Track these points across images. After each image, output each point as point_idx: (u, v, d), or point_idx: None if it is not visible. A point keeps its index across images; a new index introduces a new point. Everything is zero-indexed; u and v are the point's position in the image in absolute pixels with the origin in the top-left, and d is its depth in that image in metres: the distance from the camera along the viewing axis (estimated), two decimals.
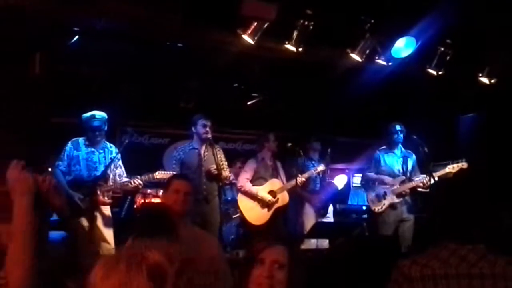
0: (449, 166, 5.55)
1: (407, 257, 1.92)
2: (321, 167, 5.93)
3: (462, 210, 1.91)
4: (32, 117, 4.65)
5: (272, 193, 5.77)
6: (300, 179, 5.71)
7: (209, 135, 5.30)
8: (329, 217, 6.25)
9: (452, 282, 1.79)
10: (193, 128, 5.37)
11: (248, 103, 7.85)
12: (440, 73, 5.86)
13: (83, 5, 4.42)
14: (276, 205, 5.76)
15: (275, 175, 5.90)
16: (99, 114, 4.85)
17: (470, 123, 7.22)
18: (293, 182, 5.75)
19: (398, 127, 5.73)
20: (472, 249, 1.82)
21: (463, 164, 5.50)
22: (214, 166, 5.17)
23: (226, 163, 5.40)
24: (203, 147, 5.37)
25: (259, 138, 6.16)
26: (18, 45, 4.61)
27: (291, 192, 5.87)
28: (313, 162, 6.12)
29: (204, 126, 5.28)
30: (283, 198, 5.80)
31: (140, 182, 4.86)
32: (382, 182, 5.73)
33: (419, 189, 5.66)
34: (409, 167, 5.76)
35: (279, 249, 1.88)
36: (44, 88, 4.93)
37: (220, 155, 5.35)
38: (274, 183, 5.83)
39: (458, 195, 1.97)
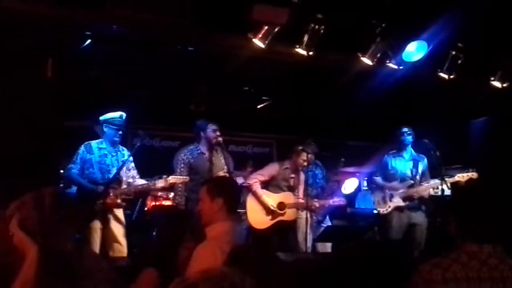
0: (458, 175, 5.48)
1: (426, 262, 1.96)
2: (337, 202, 5.78)
3: (481, 213, 1.95)
4: (44, 121, 4.70)
5: (281, 204, 5.60)
6: (314, 204, 5.61)
7: (220, 139, 5.31)
8: (327, 222, 6.17)
9: (474, 285, 1.84)
10: (202, 133, 5.35)
11: (258, 106, 7.87)
12: (451, 77, 5.83)
13: (94, 10, 4.47)
14: (281, 217, 5.58)
15: (296, 187, 5.72)
16: (123, 113, 4.94)
17: (482, 127, 7.17)
18: (303, 202, 5.58)
19: (405, 129, 5.68)
20: (492, 253, 1.87)
21: (473, 174, 5.46)
22: (222, 172, 5.20)
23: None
24: (210, 152, 5.35)
25: (292, 148, 5.86)
26: (30, 50, 4.66)
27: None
28: (310, 166, 5.96)
29: (215, 131, 5.28)
30: (290, 214, 5.61)
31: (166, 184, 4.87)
32: (390, 188, 5.69)
33: (431, 193, 5.63)
34: (419, 171, 5.72)
35: None
36: (56, 92, 4.99)
37: (231, 162, 5.41)
38: (287, 197, 5.65)
39: (477, 198, 2.03)
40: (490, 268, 1.84)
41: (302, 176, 5.79)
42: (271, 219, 5.60)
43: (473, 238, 1.91)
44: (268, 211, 5.58)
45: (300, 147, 5.66)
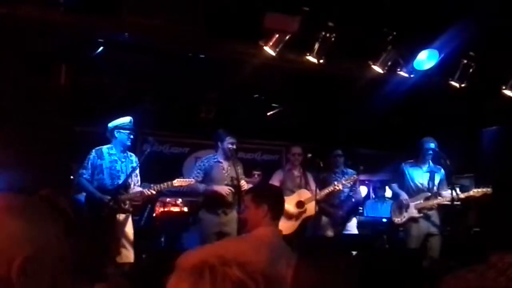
0: (474, 190, 5.53)
1: (451, 273, 1.97)
2: (349, 180, 5.81)
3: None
4: (57, 126, 4.73)
5: (300, 203, 5.70)
6: (330, 189, 5.70)
7: (234, 148, 5.45)
8: (350, 230, 6.17)
9: None
10: (219, 143, 5.48)
11: (268, 113, 7.87)
12: (463, 85, 5.80)
13: (107, 17, 4.51)
14: (304, 215, 5.69)
15: (303, 186, 5.86)
16: (131, 118, 4.99)
17: (493, 136, 7.12)
18: (322, 193, 5.69)
19: (432, 145, 5.62)
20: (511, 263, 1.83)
21: (488, 190, 5.45)
22: (245, 184, 5.28)
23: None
24: (227, 162, 5.48)
25: (286, 150, 6.22)
26: (44, 56, 4.71)
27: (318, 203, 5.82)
28: (336, 175, 6.05)
29: (232, 144, 5.42)
30: (311, 208, 5.70)
31: (154, 192, 4.88)
32: (406, 199, 5.68)
33: (444, 203, 5.62)
34: (436, 183, 5.70)
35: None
36: (69, 98, 5.03)
37: (241, 170, 5.50)
38: (303, 194, 5.77)
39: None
40: (508, 279, 1.80)
41: (309, 174, 5.94)
42: (296, 220, 5.70)
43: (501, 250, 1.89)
44: (291, 215, 5.65)
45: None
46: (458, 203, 5.60)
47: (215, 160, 5.50)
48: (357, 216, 6.88)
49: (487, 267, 1.86)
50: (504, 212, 1.98)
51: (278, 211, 2.81)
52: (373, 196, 8.48)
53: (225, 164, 5.48)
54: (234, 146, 5.44)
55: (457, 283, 1.87)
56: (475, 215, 6.31)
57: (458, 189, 5.46)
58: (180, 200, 7.63)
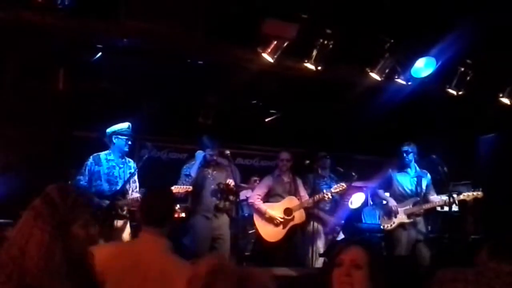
0: (464, 194, 5.54)
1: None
2: (338, 189, 5.76)
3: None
4: (55, 131, 4.74)
5: (288, 210, 5.68)
6: (317, 197, 5.67)
7: (217, 160, 5.49)
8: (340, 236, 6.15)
9: None
10: (201, 150, 5.53)
11: (266, 119, 7.88)
12: (460, 93, 5.84)
13: (106, 22, 4.52)
14: (292, 223, 5.67)
15: (293, 192, 5.83)
16: (129, 123, 5.00)
17: (490, 143, 7.14)
18: (310, 200, 5.70)
19: (404, 148, 5.67)
20: (510, 272, 1.87)
21: (478, 193, 5.47)
22: (232, 181, 5.26)
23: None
24: (212, 167, 5.52)
25: (276, 155, 6.20)
26: (42, 61, 4.72)
27: (307, 210, 5.82)
28: (324, 179, 6.05)
29: (211, 155, 5.46)
30: (300, 215, 5.71)
31: None
32: (394, 205, 5.68)
33: (438, 209, 5.62)
34: (423, 187, 5.71)
35: (356, 249, 1.93)
36: (67, 102, 5.03)
37: (236, 173, 5.53)
38: (291, 201, 5.75)
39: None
40: (504, 284, 1.85)
41: (298, 180, 5.91)
42: (283, 228, 5.69)
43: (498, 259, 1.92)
44: (278, 222, 5.65)
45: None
46: (456, 209, 5.61)
47: (200, 165, 5.50)
48: (354, 223, 6.87)
49: (485, 268, 1.91)
50: (500, 221, 2.02)
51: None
52: (371, 203, 8.46)
53: (209, 169, 5.50)
54: (214, 157, 5.48)
55: (456, 274, 1.91)
56: (473, 223, 6.32)
57: (455, 196, 5.46)
58: (178, 206, 7.61)
